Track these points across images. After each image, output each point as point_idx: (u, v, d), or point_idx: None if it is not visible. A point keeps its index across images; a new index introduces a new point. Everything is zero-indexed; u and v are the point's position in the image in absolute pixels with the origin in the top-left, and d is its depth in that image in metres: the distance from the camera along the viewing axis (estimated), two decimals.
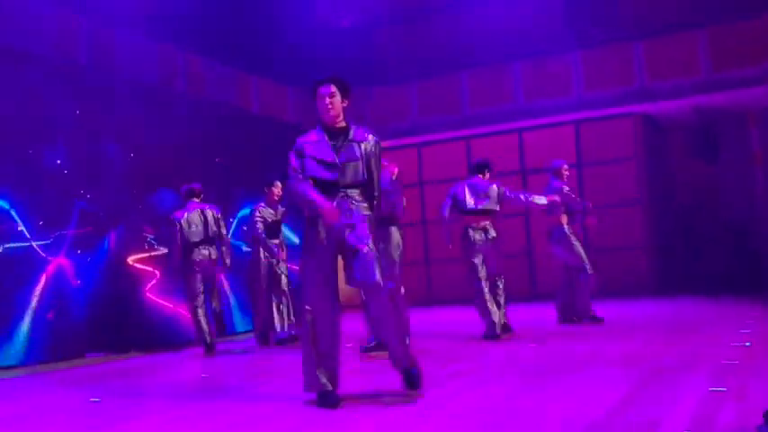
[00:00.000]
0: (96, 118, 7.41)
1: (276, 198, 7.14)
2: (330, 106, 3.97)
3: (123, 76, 9.01)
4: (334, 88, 4.00)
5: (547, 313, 7.66)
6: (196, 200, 6.91)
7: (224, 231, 6.90)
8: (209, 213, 6.82)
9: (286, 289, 7.09)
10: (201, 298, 6.73)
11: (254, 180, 9.52)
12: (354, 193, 3.85)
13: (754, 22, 11.45)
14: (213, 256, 6.78)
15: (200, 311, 6.71)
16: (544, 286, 11.75)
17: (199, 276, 6.72)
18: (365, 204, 3.87)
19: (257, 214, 6.98)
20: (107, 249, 7.38)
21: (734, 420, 2.94)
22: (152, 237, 7.95)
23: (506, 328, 6.47)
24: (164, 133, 8.21)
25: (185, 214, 6.79)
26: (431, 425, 3.19)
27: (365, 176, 3.89)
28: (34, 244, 6.63)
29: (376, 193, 3.95)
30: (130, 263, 7.68)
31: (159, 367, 6.22)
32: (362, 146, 3.95)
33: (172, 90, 10.44)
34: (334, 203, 3.75)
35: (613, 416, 3.12)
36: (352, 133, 3.99)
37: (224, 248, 6.83)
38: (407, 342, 4.11)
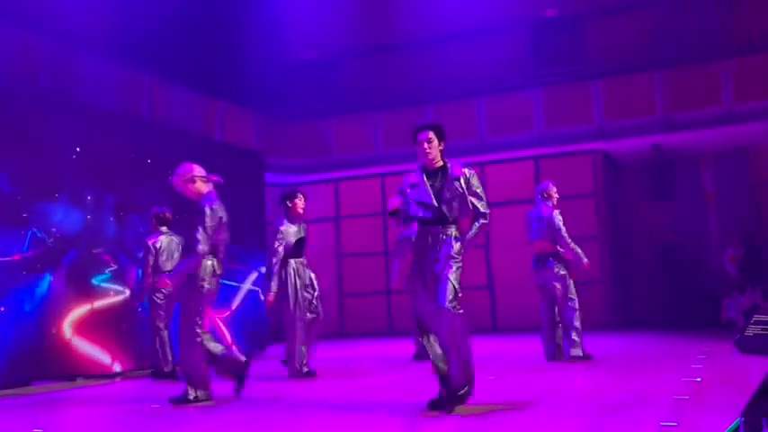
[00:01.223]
0: (57, 143, 7.28)
1: (300, 212, 6.54)
2: (428, 150, 4.45)
3: (85, 101, 8.91)
4: (431, 134, 4.46)
5: (509, 346, 7.73)
6: (164, 228, 6.93)
7: None
8: (183, 242, 6.85)
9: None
10: (166, 324, 6.77)
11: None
12: (451, 228, 4.35)
13: (708, 67, 11.92)
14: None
15: (165, 336, 6.74)
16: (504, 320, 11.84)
17: (169, 303, 6.77)
18: (456, 237, 4.34)
19: (279, 236, 6.42)
20: (57, 277, 7.17)
21: None
22: (112, 268, 7.77)
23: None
24: (124, 158, 8.11)
25: (159, 240, 6.80)
26: None
27: (459, 212, 4.39)
28: None
29: (481, 220, 4.42)
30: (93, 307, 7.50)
31: (107, 396, 6.06)
32: (461, 181, 4.40)
33: (135, 115, 10.37)
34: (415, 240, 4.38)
35: None
36: (449, 171, 4.43)
37: None
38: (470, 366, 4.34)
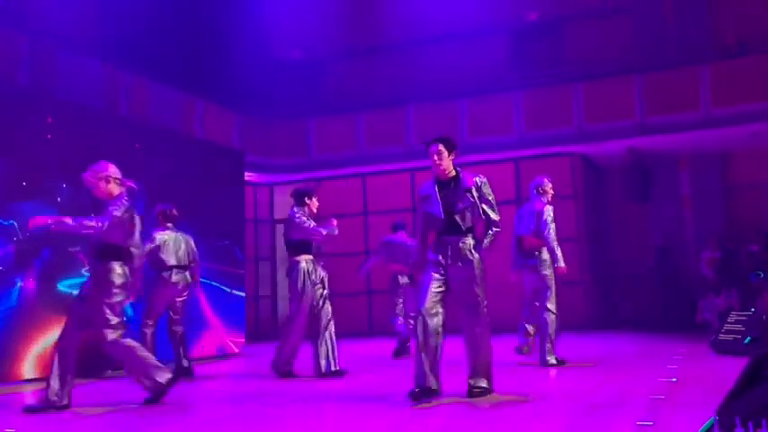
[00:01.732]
0: (36, 140, 7.19)
1: (315, 210, 6.47)
2: (438, 162, 4.71)
3: (64, 98, 8.81)
4: (441, 146, 4.71)
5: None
6: (170, 224, 7.00)
7: (197, 258, 7.13)
8: (188, 240, 7.03)
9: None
10: (156, 321, 6.82)
11: (197, 206, 9.41)
12: (467, 238, 4.60)
13: (686, 71, 12.08)
14: (189, 281, 6.98)
15: (150, 332, 6.75)
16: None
17: (166, 298, 6.82)
18: (473, 247, 4.60)
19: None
20: (27, 279, 7.09)
21: None
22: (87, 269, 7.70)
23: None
24: (106, 156, 8.02)
25: (161, 235, 6.85)
26: None
27: (472, 221, 4.63)
28: None
29: (493, 228, 4.66)
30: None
31: (87, 396, 6.00)
32: (473, 191, 4.65)
33: (114, 112, 10.27)
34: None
35: None
36: (461, 182, 4.67)
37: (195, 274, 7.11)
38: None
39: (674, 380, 5.24)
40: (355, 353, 8.94)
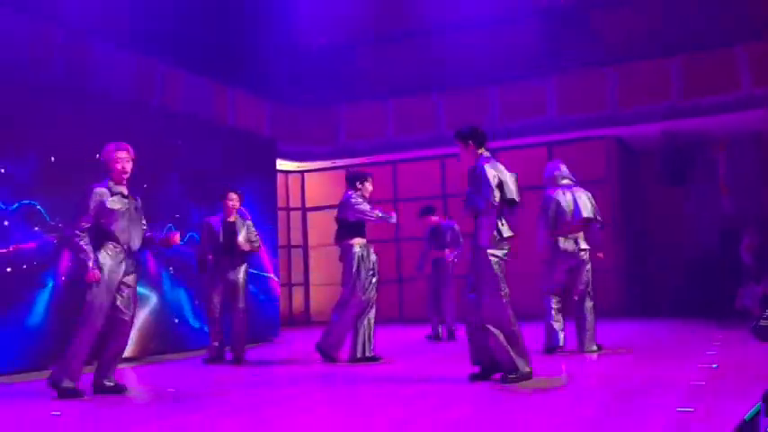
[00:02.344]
0: (71, 131, 7.30)
1: (367, 195, 6.51)
2: (461, 157, 5.10)
3: (99, 89, 8.93)
4: (459, 143, 5.06)
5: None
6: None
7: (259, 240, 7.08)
8: (247, 222, 6.97)
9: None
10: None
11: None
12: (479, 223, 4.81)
13: (725, 51, 11.76)
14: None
15: (217, 315, 6.79)
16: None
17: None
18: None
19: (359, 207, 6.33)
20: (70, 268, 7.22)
21: None
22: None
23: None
24: (138, 146, 8.12)
25: (222, 220, 6.87)
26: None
27: (488, 205, 4.73)
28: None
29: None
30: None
31: (124, 378, 6.11)
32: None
33: (148, 102, 10.38)
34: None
35: None
36: (477, 170, 4.86)
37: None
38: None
39: (715, 366, 5.14)
40: (390, 339, 8.95)
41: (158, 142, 8.39)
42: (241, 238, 6.81)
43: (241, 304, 6.80)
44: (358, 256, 6.24)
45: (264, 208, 10.16)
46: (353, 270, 6.23)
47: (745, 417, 2.42)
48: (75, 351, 4.72)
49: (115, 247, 4.79)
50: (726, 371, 4.97)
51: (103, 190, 4.81)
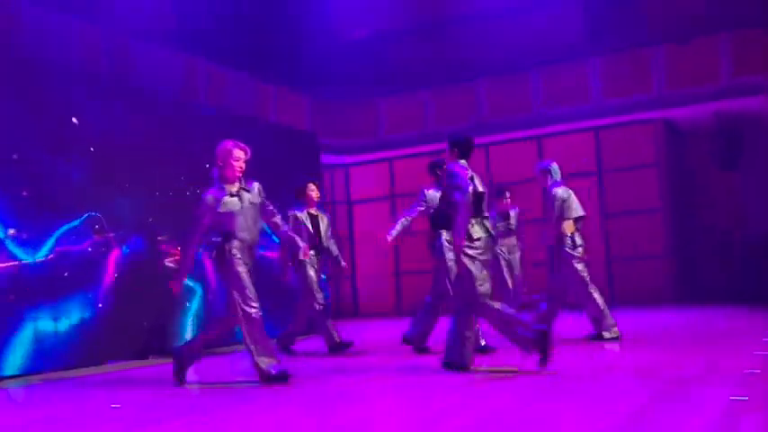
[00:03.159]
0: (119, 128, 7.50)
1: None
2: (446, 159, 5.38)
3: (145, 88, 9.13)
4: (447, 146, 5.27)
5: (562, 321, 7.61)
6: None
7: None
8: (324, 216, 7.07)
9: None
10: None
11: (276, 191, 9.57)
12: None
13: None
14: (334, 254, 7.05)
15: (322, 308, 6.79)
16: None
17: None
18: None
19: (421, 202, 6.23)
20: (127, 257, 7.44)
21: (757, 429, 2.90)
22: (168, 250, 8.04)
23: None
24: (183, 141, 8.30)
25: (306, 212, 6.95)
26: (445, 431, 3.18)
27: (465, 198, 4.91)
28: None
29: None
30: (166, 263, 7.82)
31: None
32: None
33: (193, 100, 10.57)
34: None
35: (630, 426, 3.09)
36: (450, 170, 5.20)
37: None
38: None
39: None
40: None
41: (205, 141, 8.55)
42: (323, 228, 6.93)
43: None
44: (446, 245, 6.03)
45: (305, 202, 10.24)
46: (447, 259, 5.97)
47: None
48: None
49: (241, 242, 4.91)
50: None
51: (212, 198, 4.91)
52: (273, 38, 12.76)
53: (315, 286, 6.77)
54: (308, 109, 13.55)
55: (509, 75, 13.07)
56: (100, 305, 7.05)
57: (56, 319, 6.66)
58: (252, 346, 4.86)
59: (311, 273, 6.78)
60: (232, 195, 4.93)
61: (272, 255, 9.17)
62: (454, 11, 14.32)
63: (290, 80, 13.11)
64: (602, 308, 6.43)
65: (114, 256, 7.29)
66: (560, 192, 6.67)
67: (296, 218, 6.85)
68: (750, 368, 4.36)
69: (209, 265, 7.93)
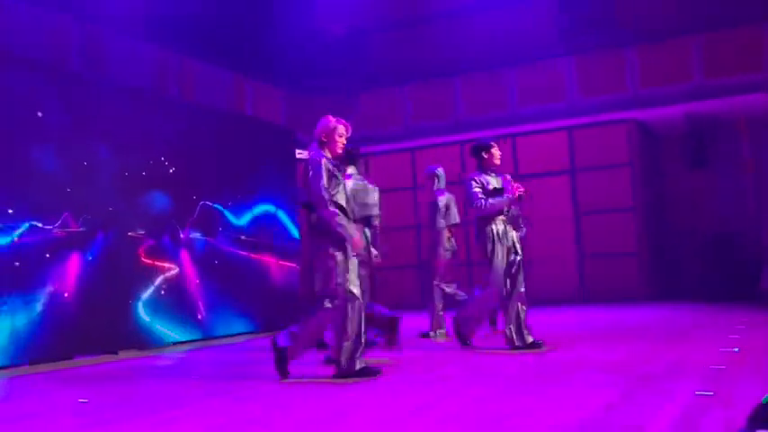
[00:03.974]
0: (87, 122, 7.38)
1: (497, 162, 6.03)
2: None
3: (115, 80, 9.00)
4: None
5: (538, 318, 7.67)
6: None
7: None
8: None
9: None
10: None
11: (252, 185, 9.54)
12: None
13: (748, 30, 11.52)
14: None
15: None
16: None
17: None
18: None
19: (476, 187, 5.82)
20: (98, 251, 7.34)
21: (719, 425, 2.95)
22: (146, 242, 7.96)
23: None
24: (156, 136, 8.20)
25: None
26: (417, 428, 3.19)
27: None
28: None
29: None
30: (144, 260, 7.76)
31: (154, 369, 6.20)
32: None
33: (164, 93, 10.44)
34: None
35: (597, 422, 3.12)
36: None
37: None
38: None
39: (737, 350, 5.08)
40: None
41: (175, 134, 8.47)
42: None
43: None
44: (495, 233, 5.73)
45: (285, 197, 10.21)
46: (488, 248, 5.72)
47: (763, 400, 2.39)
48: None
49: (348, 218, 4.72)
50: (747, 354, 4.90)
51: (328, 163, 4.69)
52: (251, 32, 12.66)
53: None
54: (283, 103, 13.47)
55: (485, 72, 13.12)
56: (66, 295, 6.93)
57: (21, 313, 6.54)
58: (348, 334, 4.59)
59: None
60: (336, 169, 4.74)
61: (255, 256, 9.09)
62: (433, 7, 14.35)
63: (267, 74, 13.02)
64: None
65: (82, 248, 7.17)
66: (444, 199, 7.12)
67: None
68: (716, 364, 4.44)
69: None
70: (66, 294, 6.94)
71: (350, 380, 4.52)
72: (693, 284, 12.66)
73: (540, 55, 12.92)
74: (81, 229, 7.13)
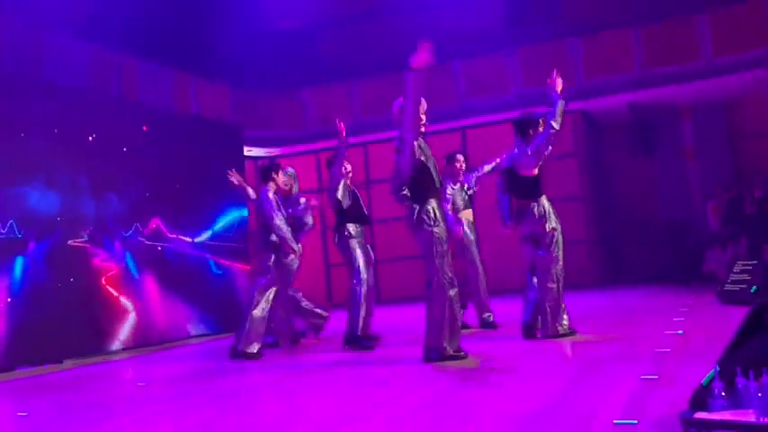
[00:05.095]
0: (25, 123, 7.13)
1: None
2: None
3: (52, 80, 8.72)
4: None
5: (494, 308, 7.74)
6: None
7: None
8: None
9: None
10: None
11: (200, 184, 9.36)
12: None
13: (685, 20, 11.83)
14: None
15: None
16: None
17: None
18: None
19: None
20: (38, 258, 7.10)
21: (663, 407, 3.01)
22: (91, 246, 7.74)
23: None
24: (99, 137, 7.98)
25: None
26: (370, 422, 3.17)
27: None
28: None
29: None
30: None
31: (99, 377, 6.03)
32: None
33: (106, 93, 10.17)
34: None
35: (549, 409, 3.15)
36: None
37: None
38: None
39: (681, 332, 5.21)
40: None
41: (118, 134, 8.25)
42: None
43: None
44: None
45: (234, 196, 10.05)
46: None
47: (702, 382, 2.44)
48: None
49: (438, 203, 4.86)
50: (691, 336, 5.03)
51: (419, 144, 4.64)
52: (194, 29, 12.42)
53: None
54: (230, 100, 13.28)
55: (432, 65, 13.15)
56: (9, 300, 6.69)
57: None
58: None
59: None
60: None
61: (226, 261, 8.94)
62: (379, 2, 14.32)
63: (212, 72, 12.81)
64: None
65: (22, 256, 6.93)
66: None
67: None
68: (661, 347, 4.54)
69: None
70: (9, 300, 6.70)
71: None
72: (641, 269, 12.99)
73: (484, 47, 13.01)
74: (20, 236, 6.88)
